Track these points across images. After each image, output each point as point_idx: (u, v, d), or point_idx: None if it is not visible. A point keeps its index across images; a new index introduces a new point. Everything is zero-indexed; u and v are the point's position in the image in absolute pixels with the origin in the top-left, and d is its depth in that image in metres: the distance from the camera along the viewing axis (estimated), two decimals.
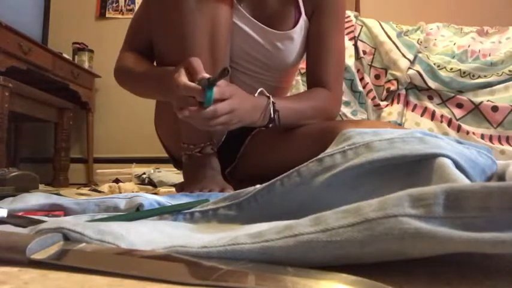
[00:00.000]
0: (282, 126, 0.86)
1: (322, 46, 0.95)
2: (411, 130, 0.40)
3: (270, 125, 0.83)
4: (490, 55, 1.67)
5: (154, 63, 0.92)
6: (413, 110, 1.63)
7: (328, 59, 0.94)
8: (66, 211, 0.54)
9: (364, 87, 1.71)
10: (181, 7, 0.81)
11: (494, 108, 1.51)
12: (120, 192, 1.25)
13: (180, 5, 0.81)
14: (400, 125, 1.57)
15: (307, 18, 0.96)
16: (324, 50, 0.94)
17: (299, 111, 0.88)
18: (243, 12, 0.90)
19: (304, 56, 1.02)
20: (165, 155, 1.11)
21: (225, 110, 0.72)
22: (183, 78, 0.71)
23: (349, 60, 1.69)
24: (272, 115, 0.82)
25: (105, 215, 0.46)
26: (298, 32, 0.94)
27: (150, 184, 1.69)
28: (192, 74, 0.72)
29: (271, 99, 0.82)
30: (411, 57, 1.68)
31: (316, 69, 0.95)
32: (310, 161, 0.38)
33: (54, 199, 0.60)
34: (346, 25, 1.73)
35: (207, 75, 0.70)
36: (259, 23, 0.91)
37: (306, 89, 1.00)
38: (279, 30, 0.93)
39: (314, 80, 0.95)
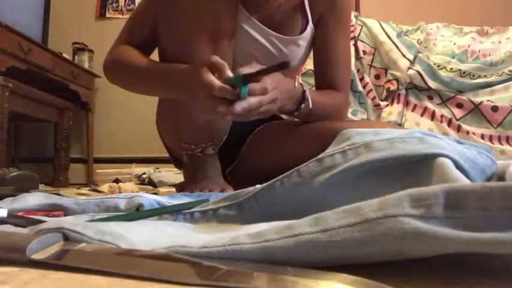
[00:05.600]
0: (304, 117, 0.88)
1: (330, 50, 0.97)
2: (411, 130, 0.40)
3: (295, 113, 0.86)
4: (490, 55, 1.67)
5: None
6: (413, 110, 1.63)
7: (337, 62, 0.97)
8: (66, 211, 0.54)
9: (364, 87, 1.71)
10: (186, 11, 0.81)
11: (494, 108, 1.51)
12: (120, 192, 1.25)
13: (185, 9, 0.81)
14: (400, 125, 1.57)
15: (313, 25, 0.97)
16: (332, 54, 0.97)
17: (322, 105, 0.90)
18: (249, 17, 0.90)
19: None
20: (165, 155, 1.11)
21: (268, 101, 0.73)
22: (214, 78, 0.70)
23: None
24: (302, 105, 0.84)
25: (105, 215, 0.46)
26: (305, 38, 0.96)
27: (150, 184, 1.69)
28: (218, 72, 0.71)
29: (306, 89, 0.84)
30: (411, 57, 1.68)
31: (326, 73, 0.97)
32: (310, 161, 0.38)
33: (54, 199, 0.60)
34: None
35: (230, 73, 0.70)
36: (266, 28, 0.92)
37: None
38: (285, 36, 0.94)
39: (324, 83, 0.97)
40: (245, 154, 1.02)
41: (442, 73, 1.62)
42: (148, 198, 0.53)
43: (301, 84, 0.84)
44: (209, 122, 0.89)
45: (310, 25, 0.96)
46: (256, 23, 0.91)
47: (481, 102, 1.53)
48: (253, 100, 0.70)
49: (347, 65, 1.02)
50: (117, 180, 1.77)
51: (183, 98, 0.82)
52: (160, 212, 0.45)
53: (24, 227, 0.40)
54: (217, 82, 0.69)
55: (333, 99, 0.95)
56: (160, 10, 0.85)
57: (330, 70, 0.96)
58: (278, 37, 0.93)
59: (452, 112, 1.57)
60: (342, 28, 0.98)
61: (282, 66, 0.63)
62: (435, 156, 0.33)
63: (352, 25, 1.79)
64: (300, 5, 0.95)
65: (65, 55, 2.62)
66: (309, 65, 1.46)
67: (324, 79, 0.97)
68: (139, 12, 0.96)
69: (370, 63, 1.76)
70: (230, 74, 0.70)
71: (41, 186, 1.45)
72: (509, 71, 1.57)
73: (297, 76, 0.85)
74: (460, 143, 0.39)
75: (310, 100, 0.84)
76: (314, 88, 1.03)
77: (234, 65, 0.93)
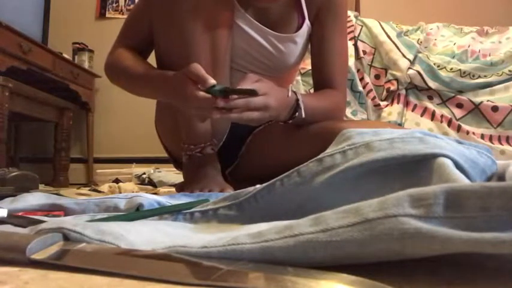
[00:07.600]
0: (300, 123, 0.87)
1: (326, 48, 0.96)
2: (411, 130, 0.40)
3: (290, 121, 0.85)
4: (490, 55, 1.67)
5: (149, 60, 0.93)
6: (413, 110, 1.63)
7: (333, 60, 0.96)
8: (66, 211, 0.54)
9: (364, 87, 1.71)
10: (181, 9, 0.81)
11: (494, 108, 1.51)
12: (120, 192, 1.25)
13: (180, 7, 0.81)
14: (400, 125, 1.57)
15: (310, 22, 0.96)
16: (329, 51, 0.96)
17: (318, 110, 0.89)
18: (245, 14, 0.90)
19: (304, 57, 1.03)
20: (165, 155, 1.11)
21: (259, 105, 0.73)
22: (195, 91, 0.72)
23: (349, 60, 1.69)
24: (296, 113, 0.83)
25: (105, 215, 0.46)
26: (301, 36, 0.96)
27: (150, 184, 1.69)
28: (196, 82, 0.72)
29: (299, 97, 0.83)
30: (411, 57, 1.68)
31: (322, 71, 0.97)
32: (310, 161, 0.38)
33: (54, 199, 0.60)
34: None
35: (213, 81, 0.71)
36: (262, 26, 0.91)
37: (312, 89, 1.01)
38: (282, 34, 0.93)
39: (321, 81, 0.97)
40: (245, 155, 1.02)
41: (442, 73, 1.62)
42: (148, 198, 0.53)
43: (294, 92, 0.83)
44: (207, 122, 0.89)
45: (307, 22, 0.96)
46: (251, 21, 0.90)
47: (481, 102, 1.53)
48: (240, 101, 0.71)
49: (344, 62, 1.01)
50: (117, 180, 1.77)
51: (174, 103, 0.83)
52: (160, 212, 0.45)
53: (24, 227, 0.40)
54: (198, 94, 0.71)
55: (329, 101, 0.94)
56: (156, 9, 0.85)
57: (326, 68, 0.96)
58: (274, 35, 0.93)
59: (452, 112, 1.57)
60: (338, 25, 0.97)
61: (253, 93, 0.70)
62: (435, 156, 0.33)
63: (352, 25, 1.79)
64: (296, 2, 0.95)
65: (65, 55, 2.62)
66: (310, 65, 1.46)
67: (321, 77, 0.97)
68: (136, 15, 0.96)
69: (370, 63, 1.76)
70: (213, 82, 0.71)
71: (41, 186, 1.45)
72: (509, 71, 1.57)
73: (290, 85, 0.84)
74: (460, 143, 0.39)
75: (303, 109, 0.83)
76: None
77: (231, 63, 0.93)
